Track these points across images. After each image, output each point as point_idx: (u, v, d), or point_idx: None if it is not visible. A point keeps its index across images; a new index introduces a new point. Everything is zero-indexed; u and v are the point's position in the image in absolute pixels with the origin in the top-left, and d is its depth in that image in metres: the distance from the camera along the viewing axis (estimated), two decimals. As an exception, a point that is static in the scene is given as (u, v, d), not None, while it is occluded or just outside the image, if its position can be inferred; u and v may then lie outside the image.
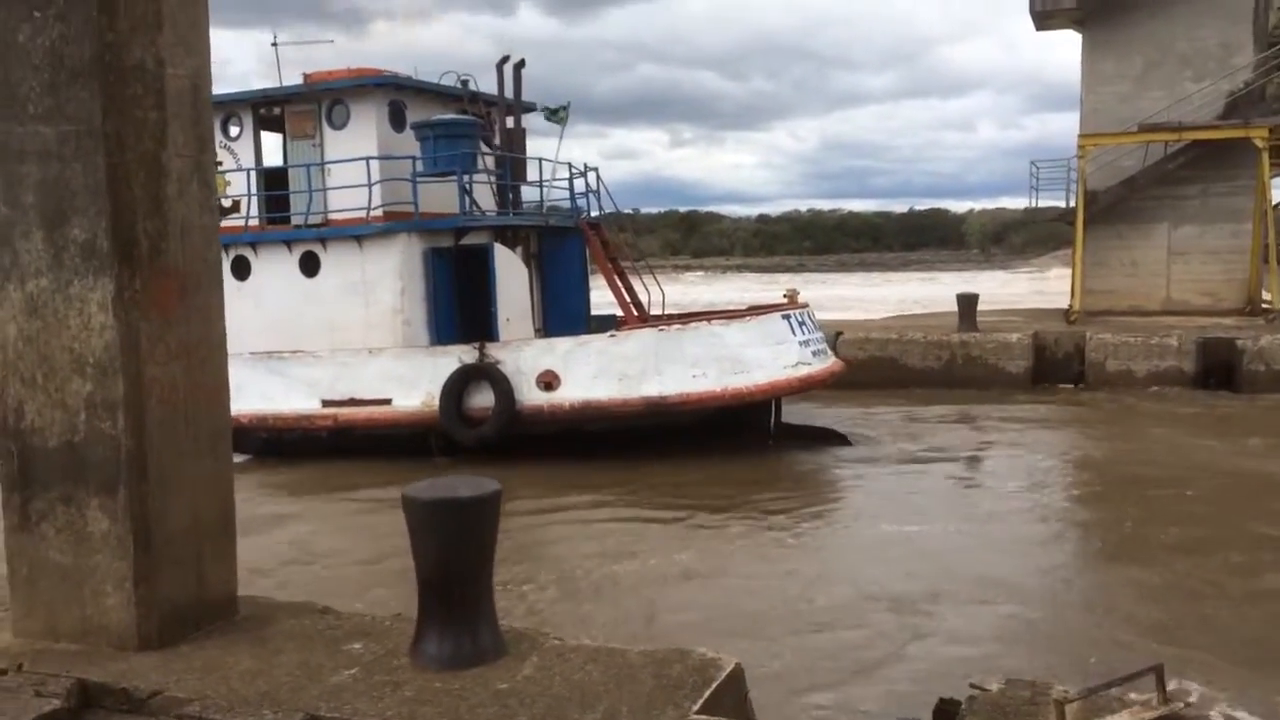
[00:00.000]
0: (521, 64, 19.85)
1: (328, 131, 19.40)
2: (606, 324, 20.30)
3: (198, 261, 4.40)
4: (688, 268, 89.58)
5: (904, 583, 9.00)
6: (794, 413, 18.33)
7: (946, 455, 15.51)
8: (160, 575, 4.20)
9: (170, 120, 4.26)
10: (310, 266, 18.98)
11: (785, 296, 18.35)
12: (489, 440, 17.55)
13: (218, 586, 4.47)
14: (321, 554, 11.35)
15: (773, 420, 17.50)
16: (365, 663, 3.96)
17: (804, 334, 17.12)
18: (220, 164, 20.06)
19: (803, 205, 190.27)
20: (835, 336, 22.27)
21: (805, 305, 18.03)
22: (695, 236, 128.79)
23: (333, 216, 19.34)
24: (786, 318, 17.08)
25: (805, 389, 17.29)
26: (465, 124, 18.82)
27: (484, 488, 3.96)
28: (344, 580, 9.88)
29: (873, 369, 22.29)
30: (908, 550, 10.20)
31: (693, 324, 17.60)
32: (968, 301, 22.96)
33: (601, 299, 21.96)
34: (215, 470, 4.48)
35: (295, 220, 19.62)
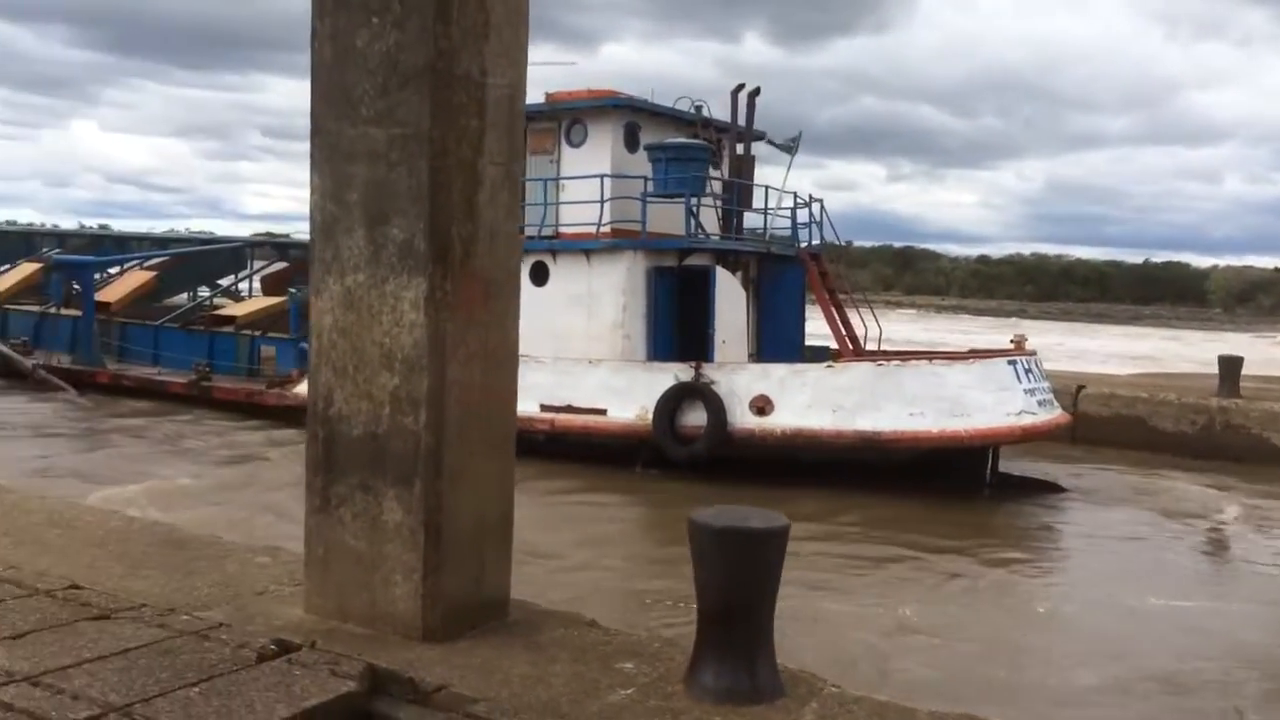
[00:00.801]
0: (756, 92, 19.77)
1: (565, 149, 19.82)
2: (819, 355, 19.94)
3: (501, 267, 4.40)
4: (899, 304, 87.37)
5: (1179, 663, 8.15)
6: (1015, 464, 17.44)
7: (1196, 526, 14.26)
8: (446, 570, 4.20)
9: (488, 129, 4.28)
10: (540, 276, 19.39)
11: (1012, 342, 17.55)
12: (699, 458, 17.49)
13: (494, 587, 4.45)
14: (543, 554, 11.43)
15: (989, 468, 16.72)
16: (640, 684, 3.83)
17: (1030, 382, 16.31)
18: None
19: (1025, 249, 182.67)
20: (1076, 391, 21.09)
21: (1033, 353, 17.20)
22: (910, 273, 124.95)
23: (563, 230, 19.73)
24: (1012, 363, 16.32)
25: (1027, 439, 16.46)
26: (697, 148, 18.88)
27: (774, 520, 3.78)
28: (566, 584, 9.90)
29: (1116, 428, 20.82)
30: (1172, 626, 9.29)
31: (913, 361, 17.05)
32: (1231, 365, 21.08)
33: (814, 330, 21.59)
34: (500, 471, 4.47)
35: (528, 231, 20.11)
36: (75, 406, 22.63)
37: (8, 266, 33.95)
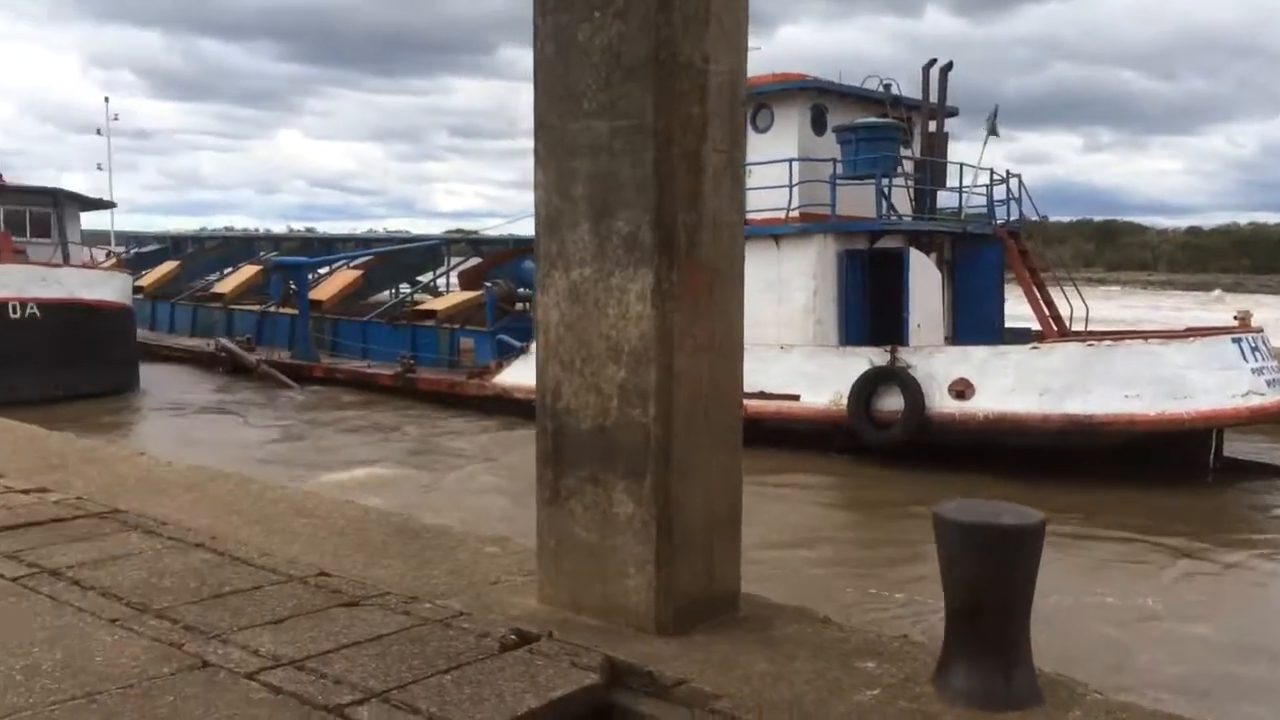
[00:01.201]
0: (949, 67, 19.08)
1: (751, 134, 19.62)
2: (1020, 337, 19.14)
3: (725, 257, 4.31)
4: (1102, 281, 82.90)
5: None
6: (1240, 447, 16.28)
7: None
8: (678, 563, 4.15)
9: (711, 116, 4.19)
10: (729, 264, 19.32)
11: (1236, 319, 16.41)
12: (895, 444, 17.08)
13: (725, 580, 4.38)
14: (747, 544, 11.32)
15: (1213, 452, 15.66)
16: (885, 685, 3.68)
17: (1257, 361, 15.18)
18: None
19: (1240, 218, 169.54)
20: None
21: (1259, 329, 16.00)
22: (1111, 248, 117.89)
23: (750, 216, 19.57)
24: (1237, 341, 15.22)
25: (1255, 421, 15.35)
26: (888, 127, 18.39)
27: (1029, 516, 3.56)
28: (775, 576, 9.77)
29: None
30: None
31: (1126, 341, 16.13)
32: None
33: (1013, 311, 20.71)
34: (729, 463, 4.39)
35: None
36: (295, 399, 23.96)
37: (230, 269, 36.28)
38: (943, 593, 3.67)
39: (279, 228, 57.19)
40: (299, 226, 61.00)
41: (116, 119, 32.14)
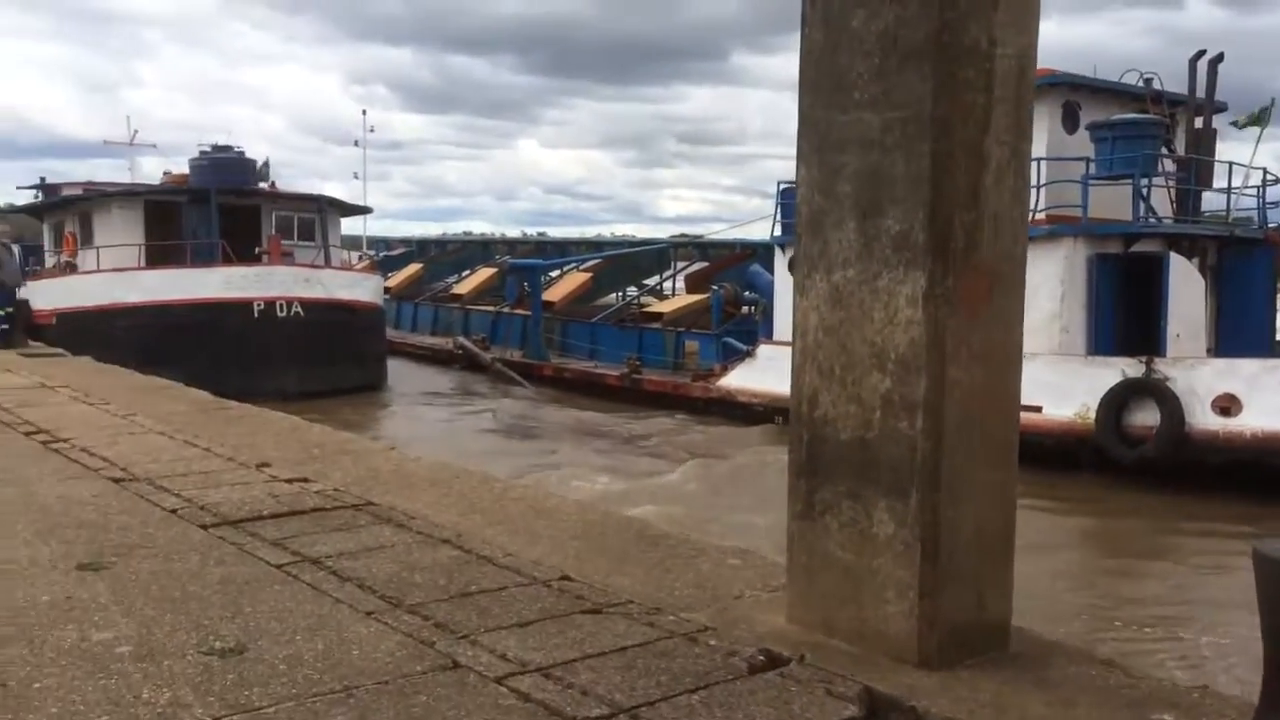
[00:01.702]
0: (1219, 59, 17.56)
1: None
2: (1292, 349, 17.43)
3: (1006, 258, 3.94)
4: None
5: None
6: None
7: None
8: (943, 590, 3.81)
9: (995, 104, 3.83)
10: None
11: None
12: (1149, 463, 15.90)
13: (995, 611, 4.01)
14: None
15: None
16: (1193, 740, 3.23)
17: None
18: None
19: None
20: None
21: None
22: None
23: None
24: None
25: None
26: (1149, 124, 17.11)
27: (1378, 559, 3.03)
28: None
29: None
30: None
31: None
32: None
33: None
34: (1002, 483, 4.02)
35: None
36: (527, 396, 24.65)
37: (468, 271, 37.83)
38: (1262, 640, 3.19)
39: (513, 232, 59.36)
40: (531, 231, 63.12)
41: (373, 131, 34.21)
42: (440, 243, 44.46)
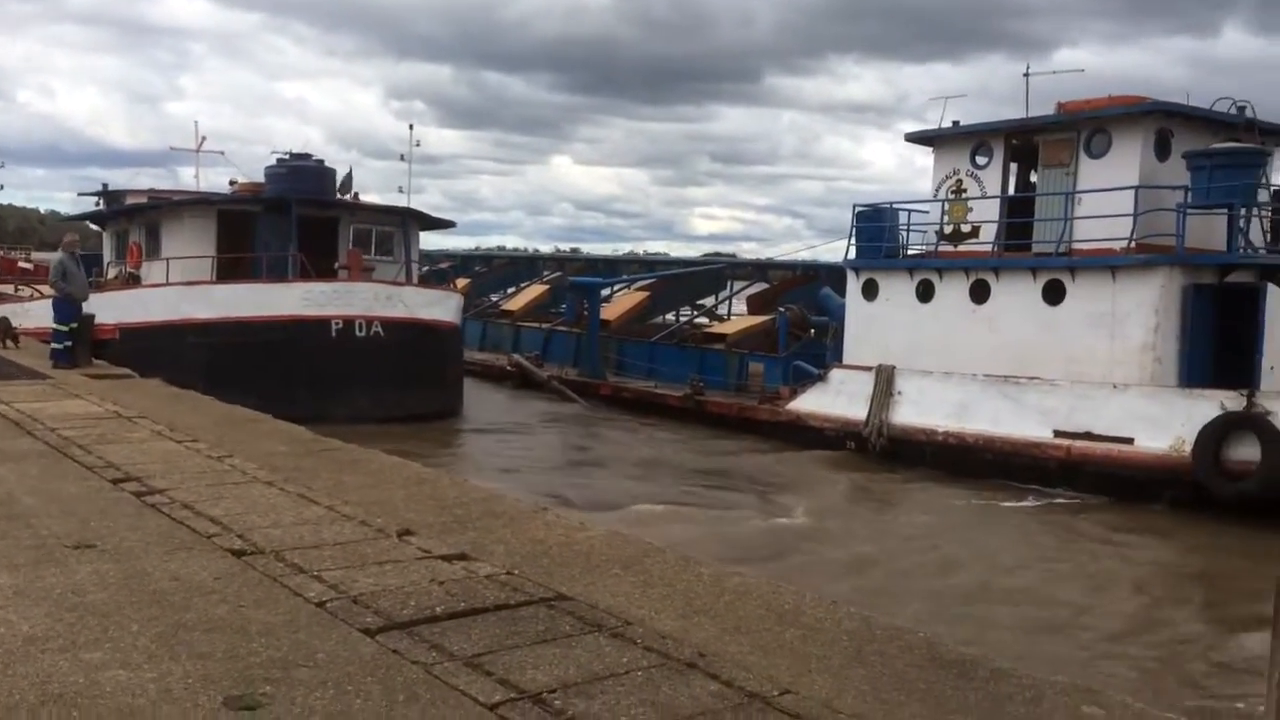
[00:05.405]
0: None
1: (1083, 160, 17.13)
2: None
3: None
4: None
5: None
6: None
7: None
8: None
9: None
10: (1054, 295, 16.89)
11: None
12: (1249, 498, 14.37)
13: None
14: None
15: None
16: None
17: None
18: (965, 190, 18.65)
19: None
20: None
21: None
22: None
23: (1078, 246, 17.08)
24: None
25: None
26: (1250, 153, 15.57)
27: None
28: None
29: None
30: None
31: None
32: None
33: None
34: None
35: (1039, 249, 17.64)
36: (588, 414, 23.08)
37: (513, 289, 36.30)
38: None
39: (545, 248, 57.89)
40: (565, 247, 61.77)
41: (419, 145, 32.15)
42: (485, 258, 42.90)
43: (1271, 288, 15.64)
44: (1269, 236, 16.49)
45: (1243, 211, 15.64)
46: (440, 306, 21.70)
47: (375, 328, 19.87)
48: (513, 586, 4.73)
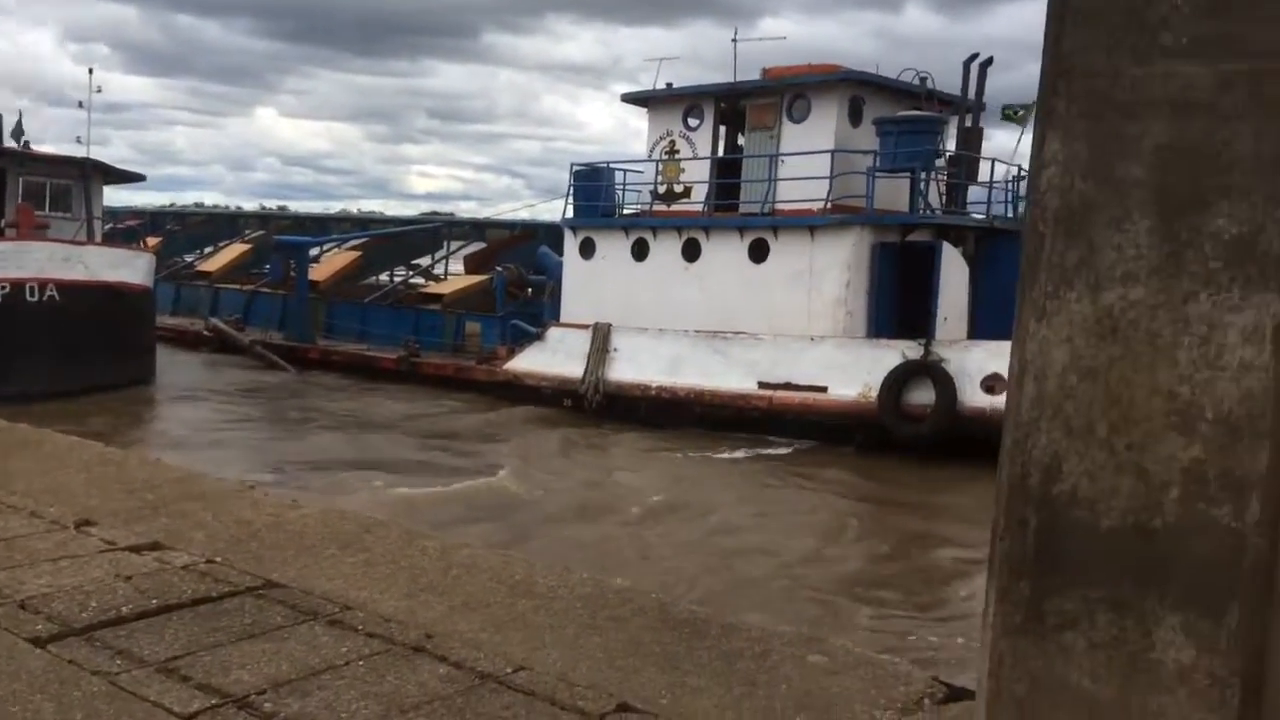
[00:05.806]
0: (988, 63, 17.62)
1: (786, 124, 18.00)
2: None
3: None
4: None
5: None
6: None
7: None
8: (1281, 743, 2.54)
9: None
10: (759, 253, 17.71)
11: None
12: (924, 439, 15.83)
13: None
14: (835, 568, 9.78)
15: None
16: None
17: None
18: (678, 151, 19.09)
19: None
20: None
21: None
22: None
23: (781, 206, 17.97)
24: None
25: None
26: (930, 121, 16.93)
27: None
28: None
29: None
30: None
31: None
32: None
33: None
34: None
35: (746, 209, 18.40)
36: (293, 380, 21.83)
37: (211, 248, 33.67)
38: None
39: (250, 205, 54.16)
40: (270, 204, 58.03)
41: (99, 91, 28.83)
42: (179, 215, 39.36)
43: (945, 246, 17.15)
44: (944, 198, 18.06)
45: (923, 175, 17.00)
46: (127, 268, 19.48)
47: (50, 291, 17.56)
48: (214, 577, 4.23)
